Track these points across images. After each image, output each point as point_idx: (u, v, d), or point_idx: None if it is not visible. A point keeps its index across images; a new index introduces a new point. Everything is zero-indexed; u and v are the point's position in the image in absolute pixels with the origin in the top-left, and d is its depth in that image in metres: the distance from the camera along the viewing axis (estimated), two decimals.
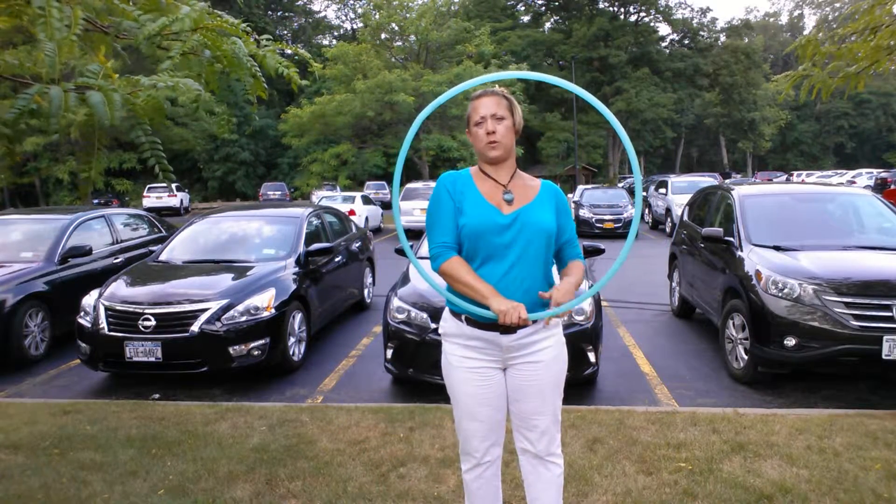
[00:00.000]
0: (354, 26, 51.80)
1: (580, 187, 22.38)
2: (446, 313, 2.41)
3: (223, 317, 5.20)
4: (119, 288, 5.57)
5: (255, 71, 2.98)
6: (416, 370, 4.85)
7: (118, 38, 2.81)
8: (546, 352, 2.34)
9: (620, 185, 35.22)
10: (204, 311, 5.19)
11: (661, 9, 50.79)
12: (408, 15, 33.63)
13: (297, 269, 6.12)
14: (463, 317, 2.33)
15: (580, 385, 5.02)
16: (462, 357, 2.34)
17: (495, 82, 2.33)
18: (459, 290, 2.27)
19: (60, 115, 2.28)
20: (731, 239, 5.82)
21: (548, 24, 53.06)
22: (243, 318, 5.26)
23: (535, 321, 2.27)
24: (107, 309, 5.31)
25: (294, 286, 5.86)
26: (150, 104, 2.68)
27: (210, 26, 2.74)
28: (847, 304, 4.61)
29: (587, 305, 4.86)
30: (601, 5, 51.13)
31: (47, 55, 2.25)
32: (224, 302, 5.27)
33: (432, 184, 19.36)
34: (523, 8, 54.13)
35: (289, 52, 3.62)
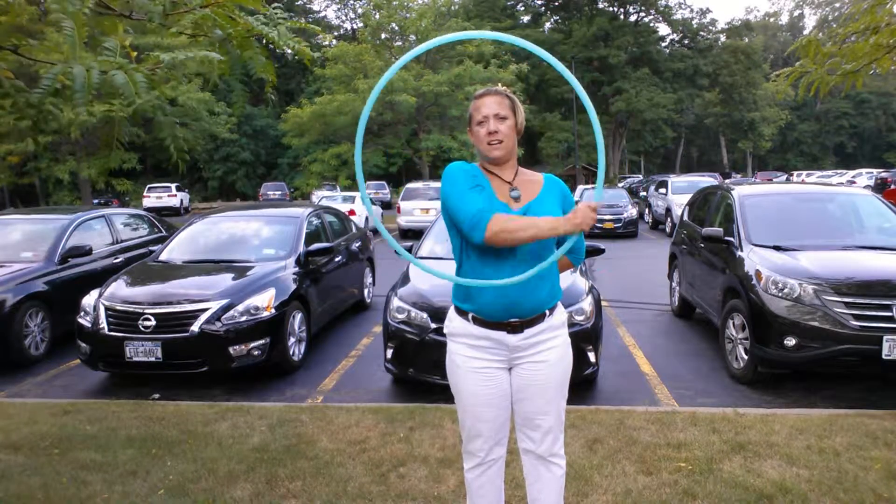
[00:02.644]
0: (354, 26, 51.78)
1: (580, 187, 22.43)
2: (452, 312, 2.40)
3: (223, 317, 5.20)
4: (119, 288, 5.57)
5: (264, 55, 2.94)
6: (416, 370, 4.85)
7: (130, 19, 2.79)
8: (552, 352, 2.33)
9: (620, 185, 35.21)
10: (204, 311, 5.19)
11: (661, 9, 50.76)
12: (408, 15, 33.62)
13: (297, 269, 6.12)
14: (470, 315, 2.31)
15: (580, 385, 5.02)
16: (467, 357, 2.33)
17: (497, 81, 2.31)
18: (521, 239, 2.11)
19: (85, 94, 2.25)
20: (731, 239, 5.82)
21: (548, 25, 52.99)
22: (243, 318, 5.26)
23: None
24: (107, 309, 5.31)
25: (294, 286, 5.86)
26: (166, 77, 2.69)
27: (221, 2, 2.71)
28: (847, 304, 4.61)
29: (587, 306, 4.85)
30: (601, 5, 51.08)
31: (66, 33, 2.24)
32: (224, 302, 5.27)
33: (432, 184, 19.30)
34: (523, 8, 54.07)
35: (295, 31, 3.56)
